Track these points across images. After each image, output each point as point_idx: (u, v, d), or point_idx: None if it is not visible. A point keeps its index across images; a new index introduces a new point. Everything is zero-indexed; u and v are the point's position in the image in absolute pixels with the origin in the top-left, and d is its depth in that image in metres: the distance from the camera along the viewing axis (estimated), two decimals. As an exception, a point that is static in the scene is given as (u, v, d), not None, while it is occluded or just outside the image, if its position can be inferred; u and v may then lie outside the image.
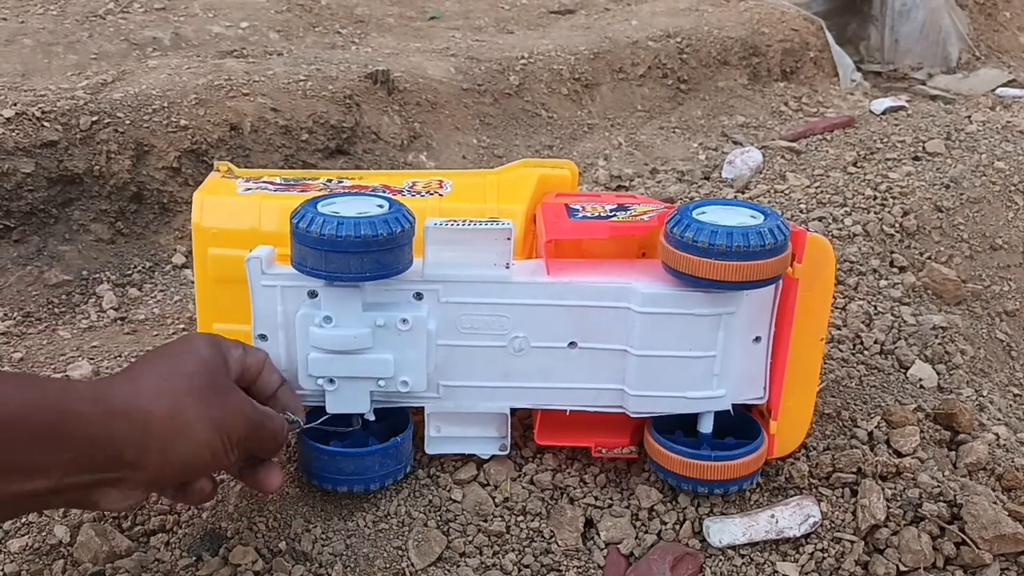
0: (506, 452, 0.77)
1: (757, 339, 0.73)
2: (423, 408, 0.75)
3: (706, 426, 0.74)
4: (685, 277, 0.68)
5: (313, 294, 0.69)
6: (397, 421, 0.75)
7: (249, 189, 0.82)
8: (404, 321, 0.69)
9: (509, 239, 0.70)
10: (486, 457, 0.77)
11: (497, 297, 0.71)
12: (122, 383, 0.56)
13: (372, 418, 0.73)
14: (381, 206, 0.68)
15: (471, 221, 0.70)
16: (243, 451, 0.61)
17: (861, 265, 1.12)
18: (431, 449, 0.77)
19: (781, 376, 0.73)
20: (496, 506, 0.75)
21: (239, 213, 0.79)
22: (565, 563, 0.71)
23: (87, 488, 0.54)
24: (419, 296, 0.71)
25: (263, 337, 0.71)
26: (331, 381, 0.70)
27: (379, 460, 0.72)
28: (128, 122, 1.32)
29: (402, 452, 0.74)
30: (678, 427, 0.76)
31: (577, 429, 0.77)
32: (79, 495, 0.54)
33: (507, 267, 0.70)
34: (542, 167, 0.87)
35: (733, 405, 0.74)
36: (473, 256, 0.70)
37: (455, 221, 0.70)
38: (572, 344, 0.72)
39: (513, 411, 0.76)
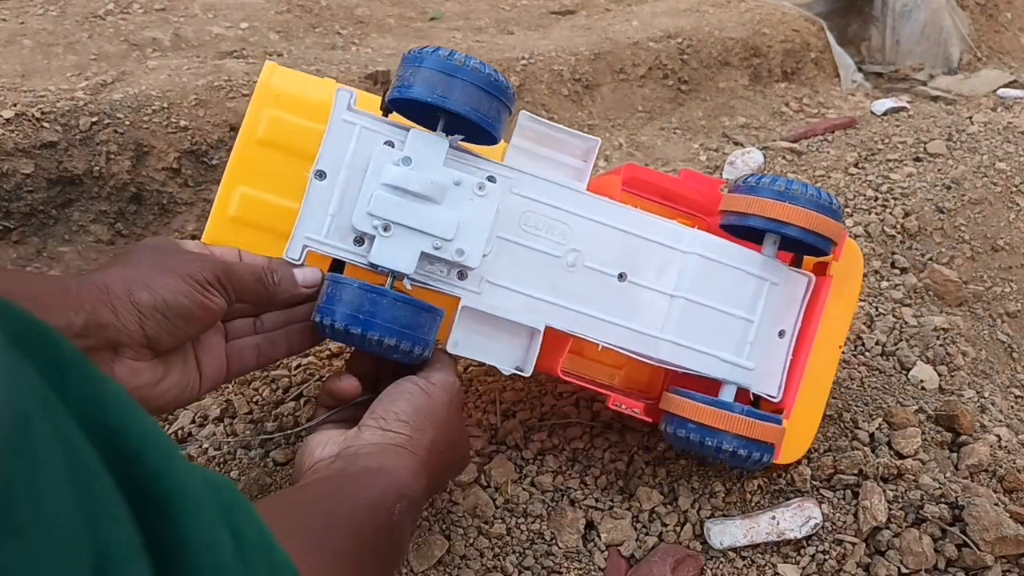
0: (522, 374, 0.71)
1: (781, 333, 0.74)
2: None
3: (728, 396, 0.73)
4: (751, 219, 0.71)
5: (390, 144, 0.69)
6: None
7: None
8: (481, 187, 0.68)
9: (594, 153, 0.72)
10: (504, 372, 0.72)
11: (565, 204, 0.72)
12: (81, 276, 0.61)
13: (409, 286, 0.69)
14: None
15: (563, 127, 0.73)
16: (229, 293, 0.63)
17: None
18: (452, 349, 0.71)
19: (798, 377, 0.73)
20: (497, 508, 0.74)
21: (310, 86, 0.78)
22: (566, 565, 0.71)
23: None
24: (492, 180, 0.70)
25: (321, 174, 0.69)
26: (386, 228, 0.67)
27: (429, 320, 0.67)
28: (128, 123, 1.32)
29: (434, 327, 0.68)
30: None
31: (600, 378, 0.80)
32: None
33: (581, 181, 0.72)
34: None
35: (749, 394, 0.74)
36: (555, 159, 0.73)
37: (549, 121, 0.73)
38: (622, 276, 0.72)
39: (545, 333, 0.71)
